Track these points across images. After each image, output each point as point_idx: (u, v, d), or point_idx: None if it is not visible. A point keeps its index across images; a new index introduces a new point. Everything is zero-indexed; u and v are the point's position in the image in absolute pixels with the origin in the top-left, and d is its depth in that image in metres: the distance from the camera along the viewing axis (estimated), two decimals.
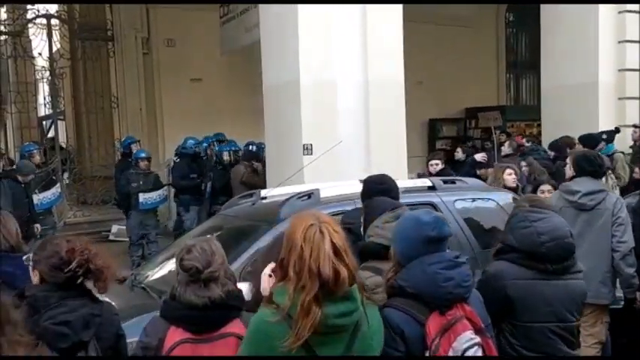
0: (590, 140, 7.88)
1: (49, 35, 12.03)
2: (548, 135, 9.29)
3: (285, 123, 7.06)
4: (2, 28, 12.34)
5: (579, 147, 7.54)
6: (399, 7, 7.21)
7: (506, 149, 8.58)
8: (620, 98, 9.31)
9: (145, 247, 8.59)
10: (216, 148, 9.17)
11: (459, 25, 13.69)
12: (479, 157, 8.05)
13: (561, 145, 8.14)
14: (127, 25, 12.16)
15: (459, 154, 9.02)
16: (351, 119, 6.89)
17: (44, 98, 14.07)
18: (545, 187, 5.57)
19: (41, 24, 12.18)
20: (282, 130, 7.14)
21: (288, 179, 5.16)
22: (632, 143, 8.98)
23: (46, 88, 13.66)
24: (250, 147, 8.87)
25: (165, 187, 9.28)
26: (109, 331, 2.49)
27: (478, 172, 7.51)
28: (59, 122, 14.46)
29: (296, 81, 6.75)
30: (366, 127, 6.99)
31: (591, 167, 4.64)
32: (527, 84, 16.07)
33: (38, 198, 8.31)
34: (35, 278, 2.48)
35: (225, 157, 8.85)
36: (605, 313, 4.47)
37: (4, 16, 12.89)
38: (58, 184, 9.78)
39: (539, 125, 11.16)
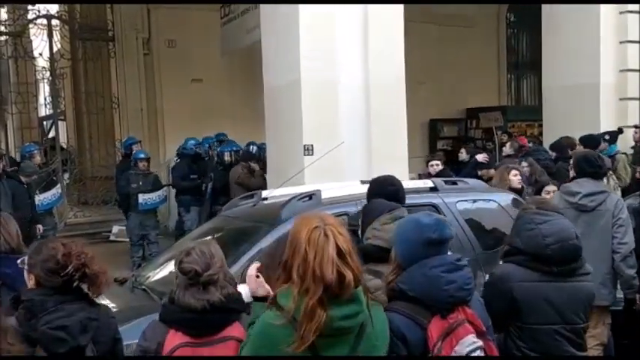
0: (591, 141, 7.85)
1: (50, 36, 12.02)
2: (550, 135, 9.26)
3: (286, 123, 7.04)
4: (3, 28, 12.35)
5: (580, 148, 7.52)
6: (400, 7, 7.18)
7: (507, 150, 8.57)
8: (621, 99, 9.28)
9: (146, 248, 8.59)
10: (218, 149, 9.15)
11: (460, 26, 13.67)
12: (481, 157, 8.03)
13: (562, 146, 8.11)
14: (128, 25, 12.15)
15: (463, 154, 8.97)
16: (352, 120, 6.87)
17: (45, 99, 14.12)
18: (551, 187, 5.56)
19: (42, 24, 12.20)
20: (283, 130, 7.12)
21: (290, 180, 5.14)
22: (633, 144, 8.96)
23: (47, 88, 13.68)
24: (251, 147, 8.82)
25: (165, 188, 9.26)
26: (107, 335, 2.46)
27: (479, 172, 7.50)
28: (60, 123, 14.42)
29: (297, 81, 6.73)
30: (367, 127, 6.96)
31: (592, 168, 4.63)
32: (529, 84, 16.03)
33: (39, 199, 8.28)
34: (30, 282, 2.43)
35: (227, 157, 8.81)
36: (607, 314, 4.46)
37: (5, 16, 12.91)
38: (59, 185, 9.77)
39: (540, 126, 11.14)
